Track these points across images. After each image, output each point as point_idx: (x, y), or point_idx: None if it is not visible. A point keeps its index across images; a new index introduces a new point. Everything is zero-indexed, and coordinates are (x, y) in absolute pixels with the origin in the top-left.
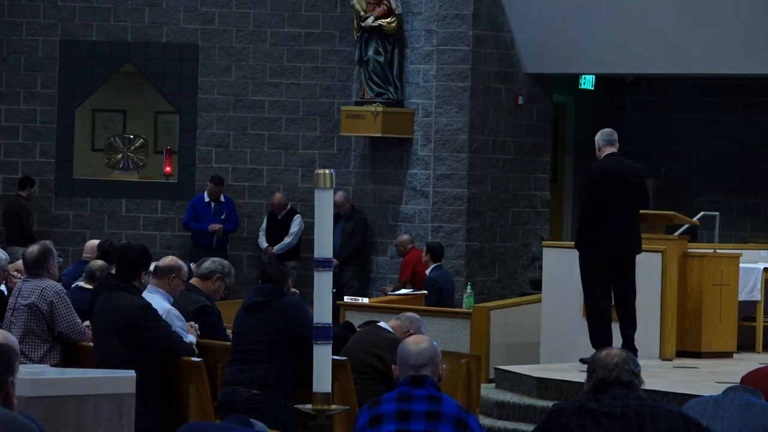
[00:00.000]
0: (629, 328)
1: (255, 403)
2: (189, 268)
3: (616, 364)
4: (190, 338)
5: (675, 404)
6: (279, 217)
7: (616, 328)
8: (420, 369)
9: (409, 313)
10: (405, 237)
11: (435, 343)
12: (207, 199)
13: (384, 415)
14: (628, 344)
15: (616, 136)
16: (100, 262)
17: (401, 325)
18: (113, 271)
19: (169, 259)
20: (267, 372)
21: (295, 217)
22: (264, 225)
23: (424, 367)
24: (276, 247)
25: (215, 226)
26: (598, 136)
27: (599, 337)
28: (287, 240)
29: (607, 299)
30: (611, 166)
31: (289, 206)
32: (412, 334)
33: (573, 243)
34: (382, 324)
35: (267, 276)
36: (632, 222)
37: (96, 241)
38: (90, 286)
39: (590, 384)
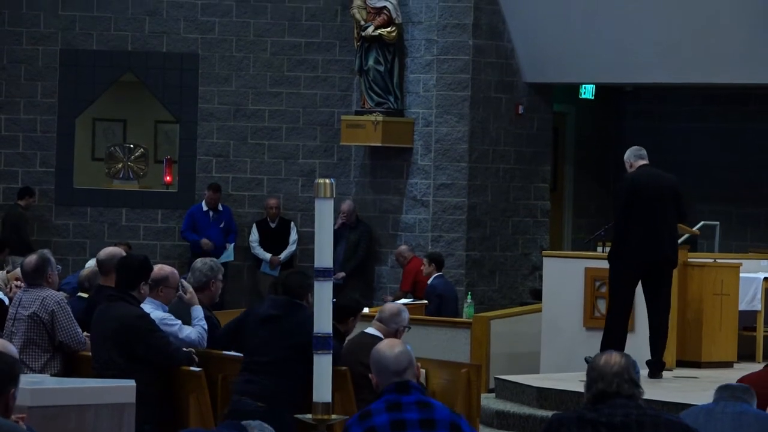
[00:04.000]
0: (662, 342)
1: (259, 416)
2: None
3: (616, 373)
4: (188, 332)
5: (675, 414)
6: (273, 226)
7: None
8: (402, 374)
9: (387, 306)
10: (403, 248)
11: (409, 347)
12: (205, 208)
13: (378, 427)
14: (658, 358)
15: (644, 151)
16: (87, 272)
17: (386, 329)
18: (100, 281)
19: (156, 270)
20: (275, 386)
21: (291, 224)
22: (256, 236)
23: (406, 371)
24: (282, 255)
25: (207, 243)
26: (627, 154)
27: (609, 346)
28: (291, 248)
29: (627, 312)
30: (644, 177)
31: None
32: (402, 331)
33: (574, 253)
34: (369, 330)
35: (285, 287)
36: (667, 233)
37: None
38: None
39: (589, 395)
